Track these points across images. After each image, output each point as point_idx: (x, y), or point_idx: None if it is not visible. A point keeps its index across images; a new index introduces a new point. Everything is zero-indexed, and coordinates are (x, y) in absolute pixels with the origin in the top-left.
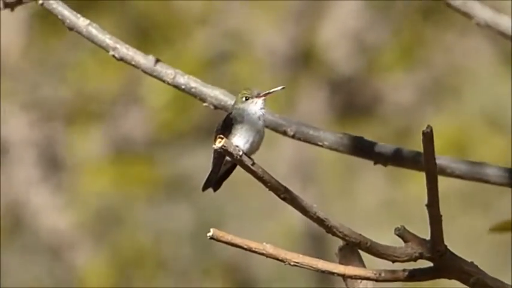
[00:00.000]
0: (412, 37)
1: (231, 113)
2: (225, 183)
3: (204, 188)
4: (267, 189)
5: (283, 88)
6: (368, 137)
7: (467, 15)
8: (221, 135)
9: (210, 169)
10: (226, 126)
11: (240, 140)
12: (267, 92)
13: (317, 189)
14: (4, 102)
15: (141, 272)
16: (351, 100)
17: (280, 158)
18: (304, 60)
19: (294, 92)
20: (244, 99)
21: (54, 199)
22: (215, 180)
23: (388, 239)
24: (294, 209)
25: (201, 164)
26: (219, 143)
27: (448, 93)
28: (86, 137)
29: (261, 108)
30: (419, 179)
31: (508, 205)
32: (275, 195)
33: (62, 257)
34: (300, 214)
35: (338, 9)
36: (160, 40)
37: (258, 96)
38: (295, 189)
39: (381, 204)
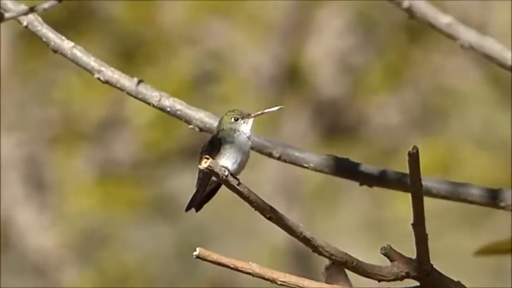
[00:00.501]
0: (397, 58)
1: (218, 134)
2: (210, 203)
3: (187, 208)
4: (253, 209)
5: (280, 108)
6: (353, 158)
7: (451, 37)
8: (207, 156)
9: (195, 189)
10: (214, 147)
11: (228, 160)
12: (260, 112)
13: (302, 208)
14: None
15: None
16: (336, 121)
17: (265, 178)
18: (289, 80)
19: (278, 113)
20: (233, 119)
21: (40, 219)
22: (200, 202)
23: (374, 258)
24: (279, 228)
25: (186, 184)
26: (204, 163)
27: (434, 115)
28: (71, 158)
29: (250, 130)
30: (404, 198)
31: (495, 224)
32: (261, 215)
33: (47, 276)
34: (285, 233)
35: (323, 30)
36: (144, 60)
37: (248, 116)
38: (280, 208)
39: (366, 224)
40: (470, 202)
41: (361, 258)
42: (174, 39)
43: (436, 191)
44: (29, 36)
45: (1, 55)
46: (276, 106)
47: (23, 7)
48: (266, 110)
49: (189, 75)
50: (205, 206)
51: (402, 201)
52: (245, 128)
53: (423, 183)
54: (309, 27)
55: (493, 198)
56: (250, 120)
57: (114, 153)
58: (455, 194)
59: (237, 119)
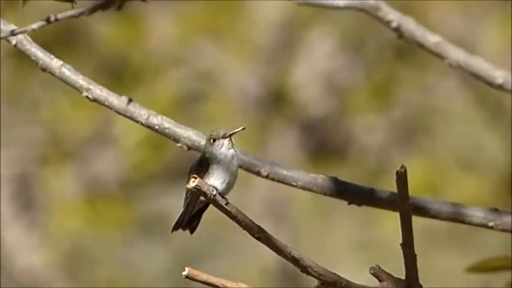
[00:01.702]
0: (385, 78)
1: (205, 153)
2: (200, 223)
3: (174, 229)
4: (241, 228)
5: (243, 129)
6: (342, 177)
7: (440, 56)
8: (195, 175)
9: (183, 209)
10: (203, 167)
11: (216, 180)
12: (231, 132)
13: (291, 228)
14: None
15: None
16: (323, 141)
17: (253, 198)
18: (276, 100)
19: (265, 133)
20: (212, 141)
21: (28, 238)
22: (187, 221)
23: (363, 279)
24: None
25: (175, 204)
26: (192, 183)
27: (421, 134)
28: (59, 177)
29: (229, 149)
30: (393, 218)
31: (483, 243)
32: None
33: None
34: (274, 253)
35: (310, 50)
36: (131, 80)
37: (223, 137)
38: (268, 228)
39: (355, 244)
40: (460, 222)
41: (350, 278)
42: (162, 60)
43: (425, 211)
44: (17, 55)
45: None
46: (241, 127)
47: (13, 27)
48: (233, 131)
49: (176, 96)
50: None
51: (391, 221)
52: (221, 149)
53: (412, 201)
54: (296, 48)
55: (484, 218)
56: (225, 141)
57: (102, 172)
58: (444, 213)
59: (215, 140)
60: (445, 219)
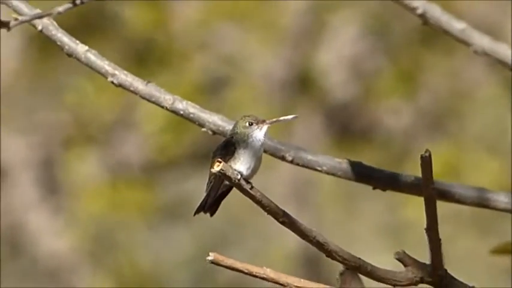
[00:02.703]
0: (410, 63)
1: (232, 138)
2: (224, 206)
3: (196, 212)
4: (266, 213)
5: (295, 117)
6: (366, 161)
7: (465, 43)
8: (219, 159)
9: (206, 193)
10: (228, 151)
11: (242, 165)
12: (276, 119)
13: (315, 213)
14: (1, 126)
15: None
16: (348, 125)
17: (278, 182)
18: (301, 85)
19: (293, 119)
20: (248, 124)
21: (52, 222)
22: (210, 204)
23: (388, 263)
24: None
25: (198, 188)
26: (217, 167)
27: (447, 119)
28: (83, 161)
29: (264, 136)
30: (419, 202)
31: (508, 228)
32: (274, 219)
33: (60, 280)
34: (299, 238)
35: (335, 35)
36: (156, 65)
37: (263, 122)
38: (293, 213)
39: (380, 228)
40: (485, 207)
41: (375, 263)
42: (187, 44)
43: (450, 195)
44: (42, 40)
45: (14, 58)
46: (291, 115)
47: (38, 11)
48: (281, 118)
49: (201, 80)
50: (219, 209)
51: (417, 206)
52: (259, 133)
53: (437, 186)
54: (321, 33)
55: (509, 203)
56: (265, 127)
57: (126, 156)
58: (470, 198)
59: (252, 124)
60: (469, 204)
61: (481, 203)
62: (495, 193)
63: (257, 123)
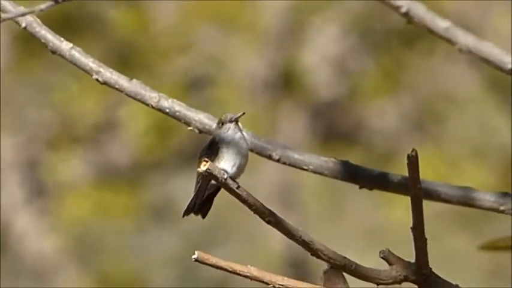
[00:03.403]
0: (395, 62)
1: (215, 137)
2: (210, 207)
3: (185, 213)
4: (252, 212)
5: (243, 114)
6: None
7: (450, 41)
8: (206, 159)
9: (193, 194)
10: (213, 150)
11: (227, 163)
12: (235, 117)
13: (301, 212)
14: None
15: None
16: (333, 126)
17: (264, 181)
18: (285, 85)
19: (275, 117)
20: (220, 124)
21: (38, 223)
22: (198, 206)
23: (372, 262)
24: (278, 231)
25: (185, 188)
26: (203, 166)
27: (431, 119)
28: (69, 161)
29: (236, 133)
30: (404, 202)
31: (494, 226)
32: (260, 219)
33: (46, 280)
34: (284, 237)
35: (319, 35)
36: (139, 65)
37: (230, 121)
38: (279, 212)
39: (365, 227)
40: (471, 206)
41: (359, 261)
42: (170, 45)
43: (437, 194)
44: (26, 38)
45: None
46: (241, 112)
47: (22, 8)
48: (236, 115)
49: (185, 80)
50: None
51: (402, 206)
52: (228, 132)
53: (423, 185)
54: (304, 32)
55: (495, 202)
56: (231, 125)
57: (112, 157)
58: (456, 197)
59: (223, 124)
60: (455, 203)
61: (467, 202)
62: (480, 192)
63: (225, 123)
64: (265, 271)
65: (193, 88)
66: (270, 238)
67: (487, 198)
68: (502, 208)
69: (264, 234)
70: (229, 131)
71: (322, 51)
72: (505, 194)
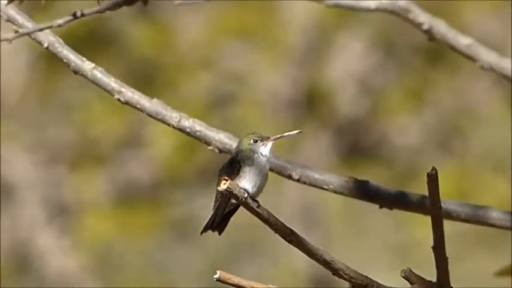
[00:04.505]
0: (418, 79)
1: (237, 155)
2: (233, 225)
3: (204, 231)
4: (273, 231)
5: (299, 132)
6: (373, 179)
7: (471, 59)
8: (226, 177)
9: (212, 211)
10: (233, 169)
11: (248, 183)
12: (280, 135)
13: (323, 231)
14: (7, 143)
15: None
16: (356, 142)
17: (285, 200)
18: (307, 102)
19: (297, 135)
20: (252, 141)
21: (60, 241)
22: (218, 223)
23: (395, 281)
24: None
25: (208, 206)
26: (223, 185)
27: (454, 136)
28: (90, 180)
29: (268, 152)
30: (426, 221)
31: None
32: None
33: None
34: (306, 256)
35: (342, 52)
36: (162, 83)
37: (268, 139)
38: (300, 231)
39: (387, 247)
40: (491, 225)
41: (382, 281)
42: (193, 63)
43: (456, 214)
44: (50, 56)
45: (22, 74)
46: (295, 130)
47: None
48: (286, 134)
49: (208, 98)
50: (228, 228)
51: (424, 225)
52: (264, 150)
53: (443, 205)
54: (328, 50)
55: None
56: (270, 143)
57: (134, 175)
58: (475, 217)
59: (256, 141)
60: (475, 223)
61: (486, 222)
62: (500, 212)
63: (262, 140)
64: None
65: (216, 106)
66: (295, 256)
67: (507, 217)
68: None
69: (288, 252)
70: (265, 149)
71: (345, 68)
72: None
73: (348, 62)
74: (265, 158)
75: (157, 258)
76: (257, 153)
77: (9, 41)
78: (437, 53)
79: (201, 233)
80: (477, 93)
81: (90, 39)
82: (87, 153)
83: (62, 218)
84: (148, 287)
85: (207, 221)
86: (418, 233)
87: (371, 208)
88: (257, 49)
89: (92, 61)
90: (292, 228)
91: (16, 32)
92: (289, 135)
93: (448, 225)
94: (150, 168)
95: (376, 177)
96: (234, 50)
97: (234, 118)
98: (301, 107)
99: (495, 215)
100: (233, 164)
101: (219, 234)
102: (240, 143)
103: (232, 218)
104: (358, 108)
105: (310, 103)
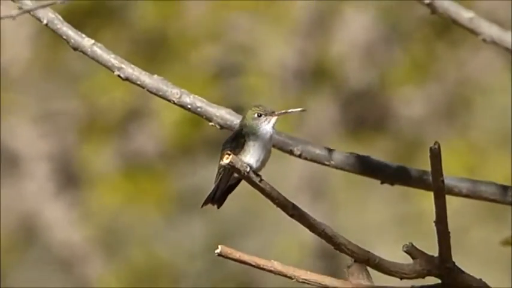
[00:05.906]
0: (423, 51)
1: (241, 129)
2: (239, 197)
3: (204, 204)
4: (275, 205)
5: (303, 110)
6: (380, 151)
7: (474, 32)
8: (229, 152)
9: (215, 185)
10: (238, 143)
11: (252, 158)
12: (284, 111)
13: (326, 204)
14: (14, 115)
15: (153, 286)
16: (362, 114)
17: (288, 174)
18: (314, 74)
19: (304, 106)
20: (256, 115)
21: (67, 213)
22: (218, 197)
23: (397, 256)
24: None
25: (213, 178)
26: (226, 159)
27: (459, 108)
28: (98, 151)
29: (272, 128)
30: (429, 194)
31: None
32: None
33: (74, 271)
34: None
35: (349, 23)
36: (168, 54)
37: (272, 114)
38: (304, 205)
39: (391, 220)
40: (493, 201)
41: (386, 254)
42: (199, 35)
43: (458, 190)
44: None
45: (27, 46)
46: (300, 107)
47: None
48: (290, 110)
49: (215, 69)
50: (235, 200)
51: (427, 197)
52: (268, 125)
53: (445, 180)
54: (334, 22)
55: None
56: (274, 119)
57: (141, 146)
58: (477, 192)
59: (260, 116)
60: (477, 199)
61: (488, 197)
62: (503, 187)
63: (265, 115)
64: (293, 264)
65: (223, 77)
66: (300, 229)
67: (510, 193)
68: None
69: (294, 225)
70: (269, 124)
71: (352, 39)
72: None
73: (355, 33)
74: (269, 134)
75: (163, 229)
76: (261, 128)
77: (13, 17)
78: (443, 26)
79: (202, 206)
80: (482, 65)
81: (95, 12)
82: (94, 125)
83: (69, 190)
84: (153, 259)
85: (208, 194)
86: (424, 205)
87: (376, 181)
88: (264, 20)
89: (98, 34)
90: (294, 203)
91: (20, 8)
92: (292, 112)
93: (451, 198)
94: (158, 140)
95: (383, 148)
96: (241, 22)
97: (240, 89)
98: (308, 78)
99: (496, 190)
100: (237, 138)
101: (218, 208)
102: (244, 117)
103: (239, 189)
104: (364, 80)
105: (317, 74)
